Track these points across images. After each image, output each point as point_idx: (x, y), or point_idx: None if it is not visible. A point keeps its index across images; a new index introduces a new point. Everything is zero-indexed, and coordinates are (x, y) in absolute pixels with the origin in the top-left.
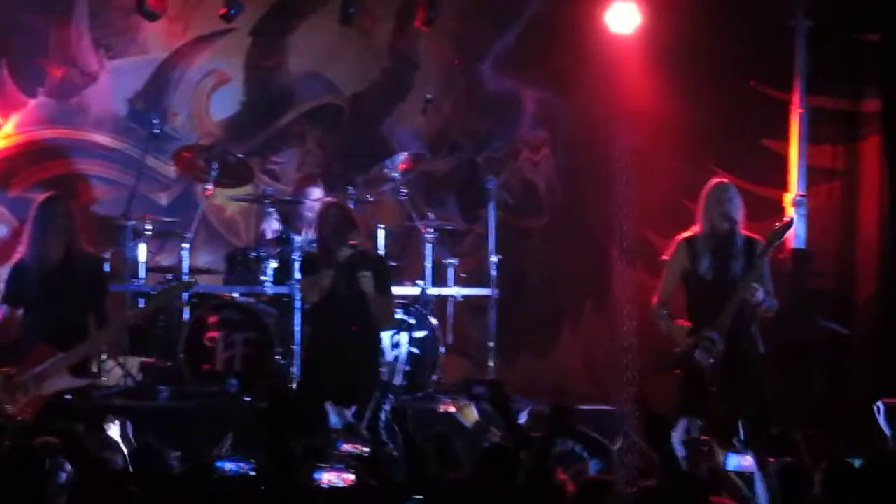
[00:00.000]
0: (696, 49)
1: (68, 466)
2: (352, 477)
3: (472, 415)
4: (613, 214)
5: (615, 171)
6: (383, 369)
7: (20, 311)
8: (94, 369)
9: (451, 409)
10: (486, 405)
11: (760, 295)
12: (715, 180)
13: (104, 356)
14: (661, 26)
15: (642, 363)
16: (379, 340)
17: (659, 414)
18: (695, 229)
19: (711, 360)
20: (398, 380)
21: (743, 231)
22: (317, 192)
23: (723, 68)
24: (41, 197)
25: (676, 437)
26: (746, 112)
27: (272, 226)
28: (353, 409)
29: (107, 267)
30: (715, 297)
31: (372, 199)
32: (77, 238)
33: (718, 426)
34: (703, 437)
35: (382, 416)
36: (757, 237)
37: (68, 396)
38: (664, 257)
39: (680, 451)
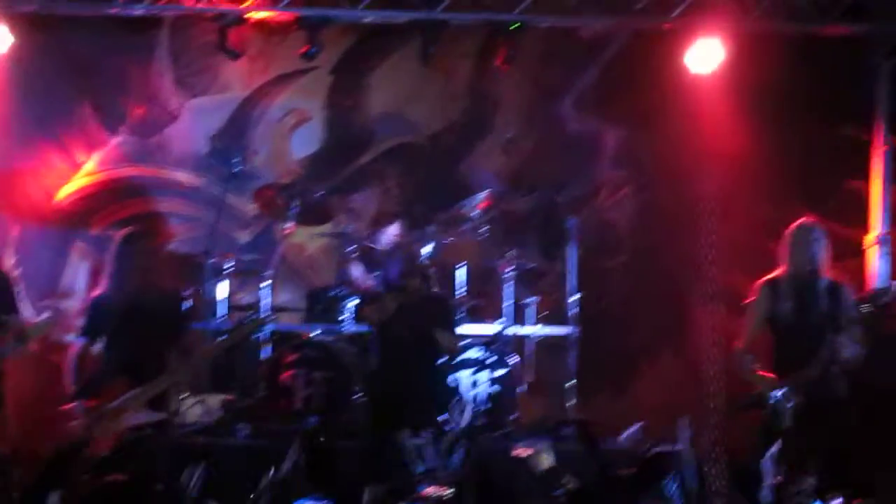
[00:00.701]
0: (777, 88)
1: None
2: None
3: (546, 460)
4: (694, 255)
5: (696, 212)
6: (456, 412)
7: (97, 346)
8: (174, 406)
9: (526, 453)
10: (574, 445)
11: (849, 351)
12: (799, 221)
13: (183, 394)
14: (742, 65)
15: (722, 402)
16: (441, 369)
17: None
18: (778, 271)
19: (790, 409)
20: (467, 421)
21: (827, 274)
22: (393, 230)
23: (805, 107)
24: (120, 233)
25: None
26: (829, 151)
27: (356, 270)
28: (427, 433)
29: (188, 303)
30: (798, 341)
31: (451, 238)
32: (155, 274)
33: (798, 469)
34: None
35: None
36: (842, 281)
37: (149, 431)
38: (747, 300)
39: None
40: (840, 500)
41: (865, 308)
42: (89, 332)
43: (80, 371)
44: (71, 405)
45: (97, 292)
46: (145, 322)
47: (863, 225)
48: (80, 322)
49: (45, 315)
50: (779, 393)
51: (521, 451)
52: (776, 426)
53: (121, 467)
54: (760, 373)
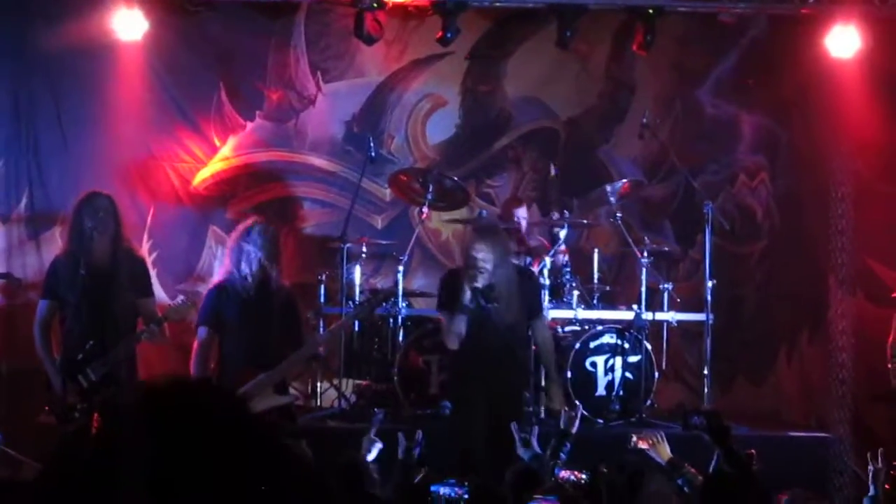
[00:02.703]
0: None
1: None
2: None
3: (665, 451)
4: (832, 242)
5: (835, 198)
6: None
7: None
8: (308, 391)
9: (644, 444)
10: (705, 435)
11: None
12: None
13: (319, 379)
14: (882, 51)
15: (863, 390)
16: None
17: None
18: None
19: None
20: (576, 427)
21: None
22: (524, 214)
23: None
24: (245, 222)
25: None
26: None
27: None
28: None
29: (321, 289)
30: None
31: (587, 222)
32: (280, 265)
33: None
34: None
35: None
36: None
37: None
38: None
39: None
40: None
41: None
42: (211, 321)
43: (206, 360)
44: None
45: (218, 279)
46: (264, 312)
47: None
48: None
49: (180, 299)
50: None
51: (640, 442)
52: None
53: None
54: None
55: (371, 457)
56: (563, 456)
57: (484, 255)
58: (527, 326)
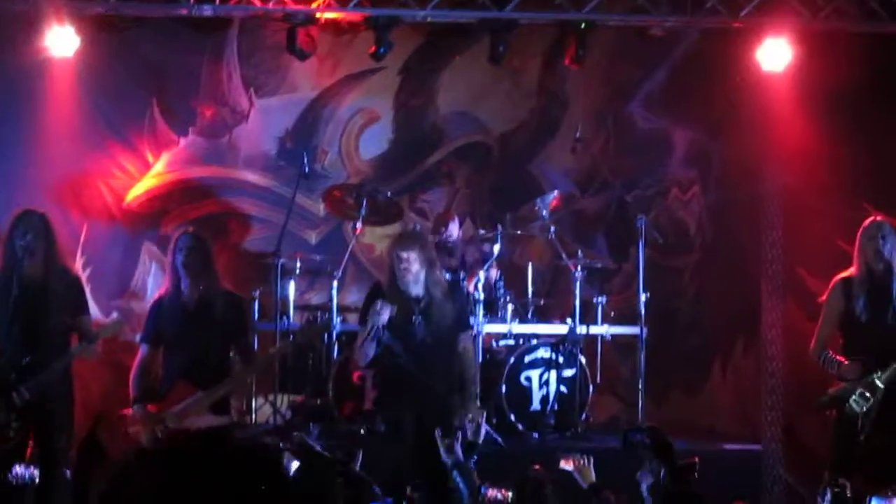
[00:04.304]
0: (848, 87)
1: None
2: None
3: (589, 475)
4: (764, 253)
5: (767, 211)
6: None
7: (160, 350)
8: (243, 407)
9: (569, 466)
10: (647, 453)
11: None
12: (870, 220)
13: (253, 395)
14: (812, 64)
15: (794, 400)
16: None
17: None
18: (851, 270)
19: (865, 410)
20: (482, 437)
21: None
22: (454, 229)
23: (876, 106)
24: (179, 232)
25: None
26: None
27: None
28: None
29: (255, 305)
30: (871, 340)
31: (520, 233)
32: (217, 275)
33: (873, 472)
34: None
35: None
36: None
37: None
38: (821, 299)
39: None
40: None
41: None
42: (151, 337)
43: (145, 376)
44: (131, 409)
45: (158, 295)
46: (206, 325)
47: None
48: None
49: (114, 316)
50: (854, 394)
51: (565, 464)
52: (850, 426)
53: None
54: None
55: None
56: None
57: (407, 255)
58: (454, 339)
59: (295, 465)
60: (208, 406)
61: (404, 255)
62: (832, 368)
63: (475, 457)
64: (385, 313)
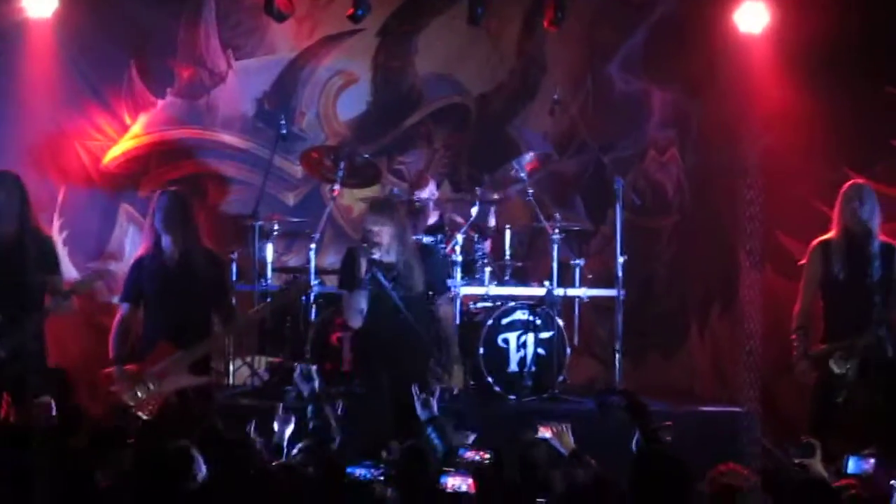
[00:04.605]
0: (827, 49)
1: (203, 468)
2: (474, 483)
3: (568, 442)
4: (742, 215)
5: (744, 172)
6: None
7: (141, 309)
8: (221, 369)
9: (548, 433)
10: (622, 414)
11: None
12: (849, 183)
13: (231, 357)
14: (790, 26)
15: (772, 363)
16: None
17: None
18: (831, 233)
19: (844, 372)
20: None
21: (881, 237)
22: (431, 190)
23: (854, 68)
24: (160, 192)
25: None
26: (878, 112)
27: None
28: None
29: (233, 267)
30: (850, 301)
31: (498, 198)
32: (198, 234)
33: (850, 434)
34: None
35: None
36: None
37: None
38: (801, 262)
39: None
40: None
41: None
42: (131, 296)
43: (125, 335)
44: (112, 369)
45: (138, 254)
46: (186, 284)
47: None
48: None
49: (88, 272)
50: (833, 357)
51: (544, 430)
52: (829, 388)
53: (165, 431)
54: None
55: (288, 432)
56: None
57: (378, 229)
58: (429, 302)
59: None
60: (188, 366)
61: (375, 228)
62: (798, 350)
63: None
64: (363, 269)
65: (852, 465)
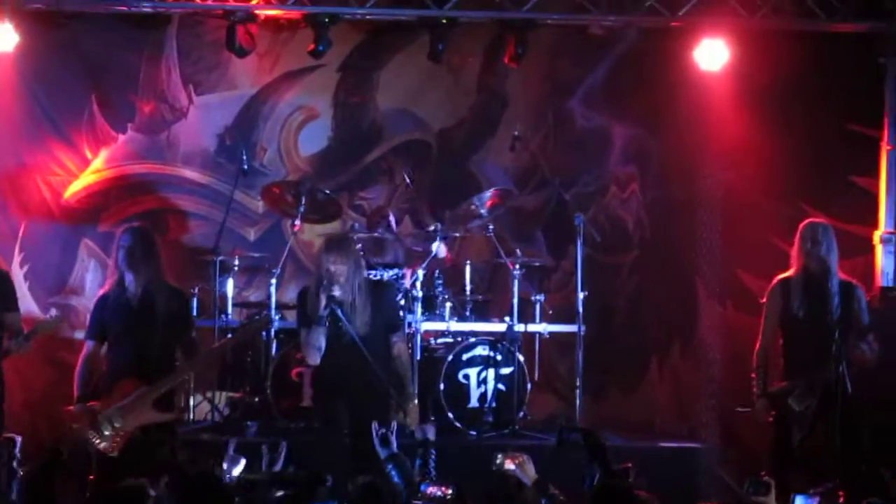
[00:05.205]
0: (786, 86)
1: None
2: None
3: (531, 471)
4: (701, 253)
5: (704, 208)
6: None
7: (105, 346)
8: (182, 404)
9: (511, 464)
10: (580, 452)
11: (868, 353)
12: (808, 221)
13: (192, 392)
14: (750, 63)
15: (732, 398)
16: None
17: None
18: (791, 271)
19: (803, 408)
20: (432, 435)
21: (840, 274)
22: (391, 226)
23: (812, 105)
24: (123, 227)
25: None
26: (836, 149)
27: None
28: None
29: (194, 302)
30: (810, 339)
31: (459, 234)
32: (161, 270)
33: (810, 470)
34: (764, 476)
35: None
36: (854, 281)
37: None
38: (762, 300)
39: None
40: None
41: (887, 312)
42: (96, 333)
43: (89, 372)
44: (75, 406)
45: (102, 291)
46: (150, 320)
47: (871, 222)
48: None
49: (52, 312)
50: (793, 394)
51: (508, 462)
52: (789, 424)
53: (128, 467)
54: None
55: (236, 473)
56: (432, 467)
57: (337, 266)
58: (385, 339)
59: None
60: (152, 402)
61: (334, 266)
62: (755, 388)
63: (434, 453)
64: (322, 305)
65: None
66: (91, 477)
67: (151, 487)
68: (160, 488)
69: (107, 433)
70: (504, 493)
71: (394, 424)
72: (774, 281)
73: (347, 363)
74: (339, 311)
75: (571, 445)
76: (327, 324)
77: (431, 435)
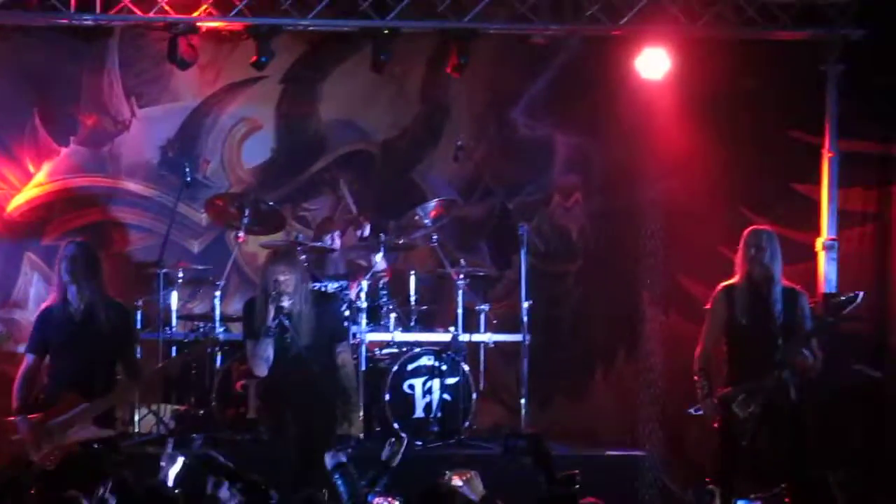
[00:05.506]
0: (728, 94)
1: None
2: None
3: (478, 488)
4: (644, 261)
5: (647, 216)
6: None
7: (47, 361)
8: (126, 417)
9: (458, 480)
10: (526, 459)
11: (810, 360)
12: (752, 228)
13: (137, 405)
14: (692, 72)
15: (676, 406)
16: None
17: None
18: (735, 278)
19: (747, 415)
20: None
21: (784, 281)
22: (335, 237)
23: (755, 113)
24: (66, 242)
25: None
26: (778, 156)
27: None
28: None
29: (138, 315)
30: (753, 345)
31: (403, 244)
32: (102, 285)
33: (754, 472)
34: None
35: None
36: (797, 287)
37: (96, 446)
38: (707, 306)
39: None
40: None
41: (830, 319)
42: (37, 347)
43: (29, 385)
44: (15, 419)
45: (45, 305)
46: (93, 335)
47: (814, 229)
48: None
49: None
50: (736, 400)
51: (455, 478)
52: (733, 431)
53: (67, 482)
54: (713, 399)
55: (173, 473)
56: (379, 488)
57: (285, 277)
58: (331, 350)
59: (174, 470)
60: (93, 418)
61: (282, 277)
62: (700, 391)
63: (385, 479)
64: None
65: None
66: (31, 491)
67: (86, 499)
68: (96, 500)
69: (45, 447)
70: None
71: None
72: (719, 287)
73: (294, 374)
74: (287, 323)
75: (517, 452)
76: (275, 335)
77: (395, 461)
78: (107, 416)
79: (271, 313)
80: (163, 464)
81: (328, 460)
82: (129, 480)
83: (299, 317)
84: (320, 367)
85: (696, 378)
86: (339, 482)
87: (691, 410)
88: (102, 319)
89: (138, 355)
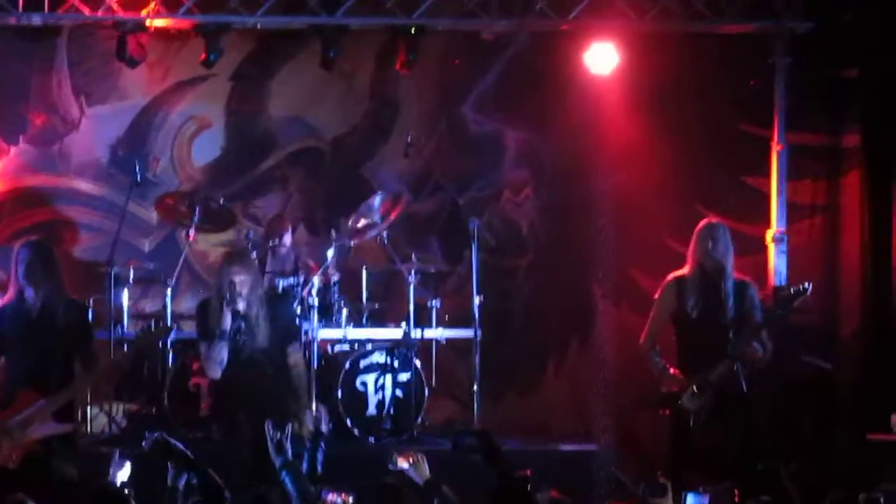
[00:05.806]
0: (676, 87)
1: None
2: None
3: (424, 471)
4: (595, 254)
5: (597, 210)
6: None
7: (2, 358)
8: (79, 417)
9: (404, 463)
10: (476, 456)
11: (760, 352)
12: (704, 220)
13: (88, 404)
14: (640, 66)
15: (628, 399)
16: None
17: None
18: (685, 270)
19: (697, 408)
20: (326, 427)
21: (735, 274)
22: (286, 235)
23: (703, 106)
24: (22, 242)
25: None
26: (727, 149)
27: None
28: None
29: (90, 313)
30: (703, 338)
31: (353, 241)
32: (60, 283)
33: (705, 465)
34: (662, 479)
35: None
36: (748, 280)
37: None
38: (655, 296)
39: None
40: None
41: (779, 311)
42: None
43: None
44: None
45: (1, 303)
46: (49, 332)
47: (764, 221)
48: None
49: None
50: (686, 392)
51: (401, 461)
52: (684, 423)
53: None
54: (672, 371)
55: (120, 477)
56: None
57: (240, 279)
58: (282, 350)
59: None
60: (52, 413)
61: (237, 279)
62: (656, 368)
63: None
64: (227, 320)
65: (690, 502)
66: None
67: (30, 499)
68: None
69: (5, 445)
70: (393, 493)
71: (289, 429)
72: (669, 278)
73: (247, 375)
74: (242, 325)
75: (467, 449)
76: (230, 338)
77: (323, 425)
78: (66, 411)
79: (227, 317)
80: (111, 470)
81: (275, 458)
82: (74, 478)
83: (255, 319)
84: (274, 368)
85: (648, 358)
86: (287, 480)
87: (663, 390)
88: (60, 317)
89: (94, 349)
